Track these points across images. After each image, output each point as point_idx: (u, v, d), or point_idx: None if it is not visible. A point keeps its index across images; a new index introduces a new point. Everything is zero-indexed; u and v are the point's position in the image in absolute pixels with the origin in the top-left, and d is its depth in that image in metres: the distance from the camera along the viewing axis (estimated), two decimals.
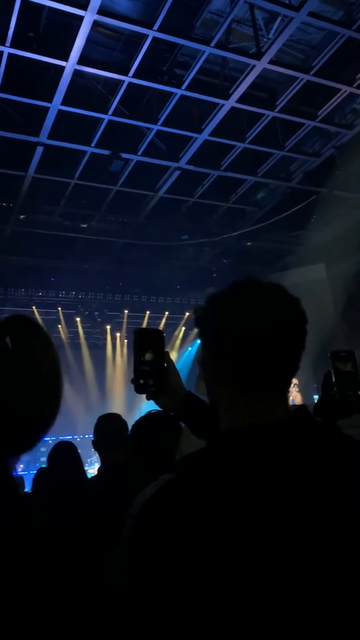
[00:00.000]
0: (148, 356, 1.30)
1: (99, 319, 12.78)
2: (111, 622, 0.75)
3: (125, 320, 12.76)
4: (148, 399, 1.34)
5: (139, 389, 1.30)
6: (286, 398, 0.93)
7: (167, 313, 12.79)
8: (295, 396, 10.84)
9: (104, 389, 14.01)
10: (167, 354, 1.35)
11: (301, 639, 0.68)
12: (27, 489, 6.99)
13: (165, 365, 1.34)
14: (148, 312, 12.57)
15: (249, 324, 0.89)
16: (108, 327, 13.25)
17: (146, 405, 1.98)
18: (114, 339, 13.73)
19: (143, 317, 12.57)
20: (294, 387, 10.83)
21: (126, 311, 12.51)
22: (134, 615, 0.73)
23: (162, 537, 0.74)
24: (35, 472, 3.66)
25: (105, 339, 13.69)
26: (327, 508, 0.75)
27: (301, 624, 0.69)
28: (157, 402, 1.38)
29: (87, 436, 11.09)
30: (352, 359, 1.45)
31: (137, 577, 0.75)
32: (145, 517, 0.78)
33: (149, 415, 2.09)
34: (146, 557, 0.74)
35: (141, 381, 1.30)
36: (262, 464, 0.78)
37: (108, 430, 2.73)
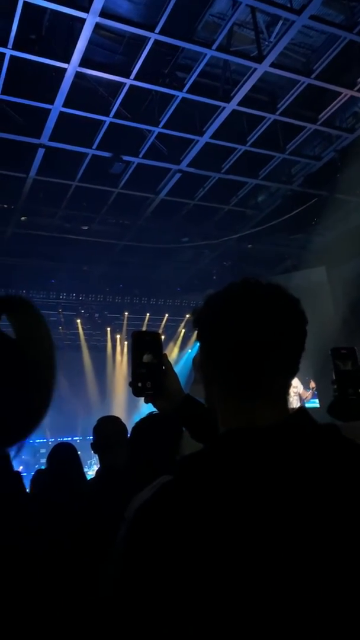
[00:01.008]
0: (146, 358, 1.30)
1: (99, 321, 12.80)
2: (103, 625, 0.74)
3: (125, 322, 12.77)
4: (146, 401, 1.33)
5: (136, 392, 1.29)
6: (285, 400, 0.92)
7: (167, 315, 12.79)
8: (307, 397, 10.81)
9: (104, 391, 14.02)
10: (165, 356, 1.35)
11: None
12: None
13: (164, 367, 1.33)
14: (148, 314, 12.58)
15: (246, 326, 0.88)
16: (108, 329, 13.27)
17: (146, 408, 1.98)
18: (114, 340, 13.73)
19: (143, 319, 12.58)
20: (312, 390, 10.79)
21: (126, 313, 12.52)
22: (126, 621, 0.72)
23: (157, 540, 0.73)
24: (33, 473, 3.66)
25: (106, 340, 13.70)
26: (321, 511, 0.75)
27: (296, 633, 0.69)
28: (155, 405, 1.37)
29: (87, 438, 11.08)
30: (353, 357, 1.43)
31: (131, 580, 0.75)
32: (142, 520, 0.78)
33: (150, 416, 2.08)
34: (141, 561, 0.74)
35: (139, 384, 1.29)
36: (259, 467, 0.78)
37: (107, 432, 2.73)
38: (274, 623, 0.68)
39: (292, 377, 0.93)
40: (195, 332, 0.99)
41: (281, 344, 0.89)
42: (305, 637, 0.68)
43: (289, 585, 0.70)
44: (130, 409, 10.97)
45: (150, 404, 1.38)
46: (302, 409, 0.88)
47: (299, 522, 0.73)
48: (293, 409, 0.91)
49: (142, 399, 1.32)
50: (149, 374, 1.30)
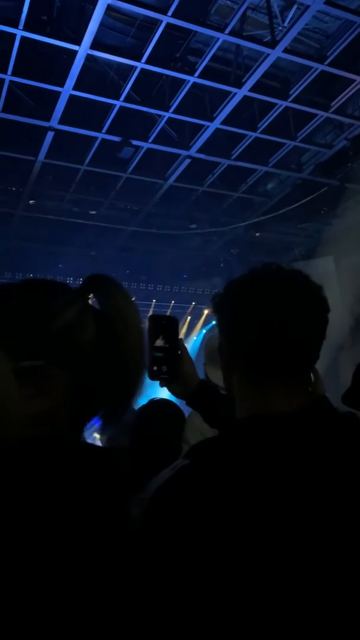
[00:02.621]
0: (162, 343, 1.30)
1: None
2: (116, 604, 0.74)
3: None
4: (161, 385, 1.34)
5: (152, 376, 1.29)
6: (306, 386, 0.91)
7: (173, 302, 12.78)
8: None
9: None
10: (182, 341, 1.35)
11: (303, 633, 0.69)
12: None
13: (179, 352, 1.34)
14: (154, 301, 12.57)
15: (266, 311, 0.87)
16: None
17: (149, 393, 1.99)
18: None
19: (149, 306, 12.57)
20: None
21: (133, 299, 12.52)
22: (134, 604, 0.72)
23: (174, 523, 0.74)
24: None
25: None
26: (340, 499, 0.75)
27: (306, 620, 0.70)
28: (170, 389, 1.38)
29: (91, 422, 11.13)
30: None
31: (145, 563, 0.75)
32: (160, 502, 0.78)
33: (152, 402, 2.10)
34: (156, 542, 0.75)
35: (155, 368, 1.29)
36: (277, 453, 0.78)
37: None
38: (280, 612, 0.69)
39: (313, 363, 0.92)
40: (215, 317, 0.99)
41: (302, 330, 0.88)
42: (314, 623, 0.69)
43: (300, 576, 0.70)
44: None
45: (152, 390, 1.38)
46: (322, 396, 0.88)
47: (318, 512, 0.73)
48: (314, 395, 0.90)
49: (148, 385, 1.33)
50: (164, 358, 1.30)
